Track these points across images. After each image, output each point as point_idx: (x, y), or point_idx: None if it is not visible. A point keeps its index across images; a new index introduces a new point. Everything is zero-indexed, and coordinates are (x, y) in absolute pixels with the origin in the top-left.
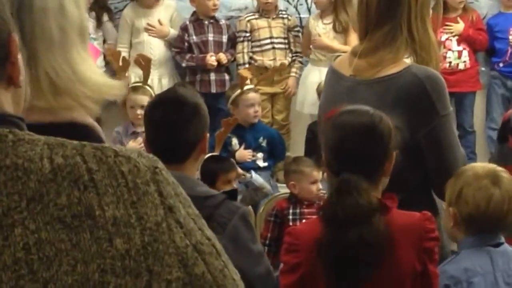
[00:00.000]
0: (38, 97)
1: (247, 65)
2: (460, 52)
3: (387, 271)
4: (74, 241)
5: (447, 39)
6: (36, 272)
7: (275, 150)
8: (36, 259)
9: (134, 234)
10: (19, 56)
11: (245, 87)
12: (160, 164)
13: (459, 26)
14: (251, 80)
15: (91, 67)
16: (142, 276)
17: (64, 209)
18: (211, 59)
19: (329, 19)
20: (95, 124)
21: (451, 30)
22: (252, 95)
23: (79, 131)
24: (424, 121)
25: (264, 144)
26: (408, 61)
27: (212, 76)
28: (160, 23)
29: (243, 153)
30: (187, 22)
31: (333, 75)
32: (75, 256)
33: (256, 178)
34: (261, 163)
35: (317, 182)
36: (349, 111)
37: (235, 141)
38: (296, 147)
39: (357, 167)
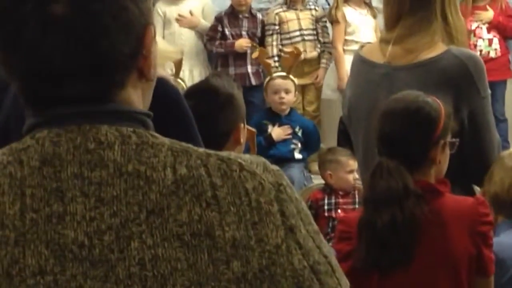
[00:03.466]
0: None
1: (276, 58)
2: (490, 40)
3: (439, 254)
4: (191, 261)
5: (477, 27)
6: None
7: (309, 142)
8: (150, 276)
9: (252, 257)
10: (155, 49)
11: (275, 74)
12: (285, 180)
13: (489, 14)
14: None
15: None
16: None
17: (183, 226)
18: (244, 41)
19: (362, 7)
20: (168, 76)
21: (481, 18)
22: (277, 81)
23: (161, 83)
24: (466, 102)
25: (299, 133)
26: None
27: (249, 69)
28: (191, 14)
29: (279, 130)
30: (222, 14)
31: (363, 64)
32: (190, 277)
33: None
34: (297, 154)
35: (353, 172)
36: (396, 97)
37: (271, 127)
38: (327, 137)
39: (397, 151)
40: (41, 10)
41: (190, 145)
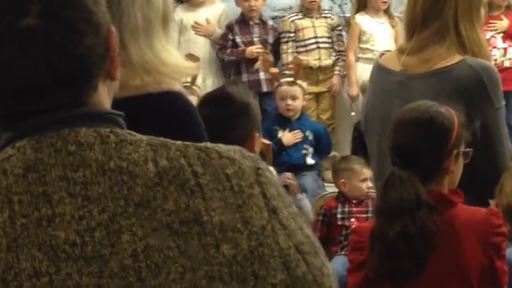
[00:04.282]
0: (133, 78)
1: (291, 66)
2: (505, 50)
3: (452, 265)
4: (182, 248)
5: (491, 36)
6: (144, 280)
7: (321, 145)
8: (144, 266)
9: (241, 239)
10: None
11: (283, 80)
12: (263, 164)
13: (504, 23)
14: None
15: (170, 52)
16: (248, 281)
17: (171, 214)
18: (254, 47)
19: (380, 16)
20: (183, 90)
21: (496, 27)
22: (284, 88)
23: (175, 97)
24: (479, 113)
25: (310, 137)
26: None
27: (262, 75)
28: (207, 22)
29: (289, 136)
30: (233, 22)
31: (381, 72)
32: (183, 264)
33: (306, 203)
34: (309, 160)
35: (367, 180)
36: (409, 107)
37: (281, 133)
38: (341, 146)
39: (410, 162)
40: (13, 27)
41: (168, 139)
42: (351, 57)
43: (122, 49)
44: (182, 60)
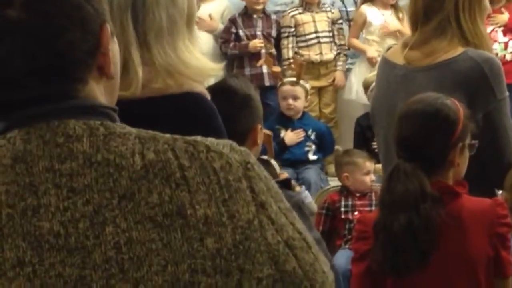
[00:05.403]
0: (155, 80)
1: (292, 60)
2: (506, 43)
3: (458, 256)
4: (165, 241)
5: (492, 30)
6: (126, 272)
7: (324, 143)
8: (127, 258)
9: (225, 233)
10: (114, 47)
11: (286, 79)
12: (252, 159)
13: (504, 17)
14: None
15: (193, 54)
16: (233, 275)
17: (155, 207)
18: (257, 41)
19: (387, 9)
20: (205, 91)
21: (496, 21)
22: (286, 88)
23: (196, 98)
24: (482, 104)
25: (312, 136)
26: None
27: (265, 69)
28: (210, 17)
29: (291, 135)
30: (236, 15)
31: (386, 65)
32: (166, 256)
33: (307, 196)
34: (311, 156)
35: (370, 173)
36: (414, 100)
37: (283, 132)
38: (344, 140)
39: (415, 154)
40: None
41: (157, 132)
42: (353, 40)
43: (146, 50)
44: (206, 61)
